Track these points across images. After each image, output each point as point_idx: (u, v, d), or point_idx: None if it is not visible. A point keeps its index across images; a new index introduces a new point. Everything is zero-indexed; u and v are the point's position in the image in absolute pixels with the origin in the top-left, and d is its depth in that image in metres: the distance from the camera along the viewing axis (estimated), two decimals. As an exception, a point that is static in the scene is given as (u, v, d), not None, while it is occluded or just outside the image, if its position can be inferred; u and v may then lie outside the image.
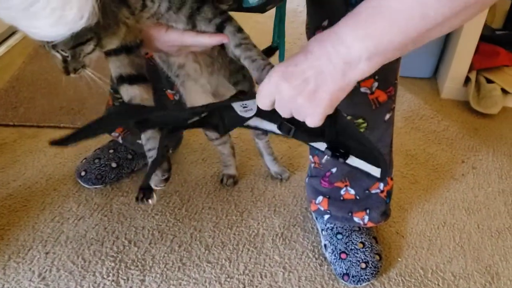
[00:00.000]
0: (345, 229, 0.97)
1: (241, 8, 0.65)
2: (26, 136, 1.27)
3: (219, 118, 0.64)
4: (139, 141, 1.02)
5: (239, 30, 0.64)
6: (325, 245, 0.98)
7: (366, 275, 0.91)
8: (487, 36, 1.53)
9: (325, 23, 0.74)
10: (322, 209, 0.99)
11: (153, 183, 0.70)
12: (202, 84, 0.78)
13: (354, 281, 0.91)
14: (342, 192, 0.96)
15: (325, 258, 0.98)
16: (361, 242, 0.95)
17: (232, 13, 0.66)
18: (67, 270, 0.92)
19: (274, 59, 0.75)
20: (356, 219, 0.96)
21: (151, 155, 0.70)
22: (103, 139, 1.18)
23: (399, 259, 0.99)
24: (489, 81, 1.52)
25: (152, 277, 0.92)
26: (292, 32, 1.64)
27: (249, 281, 0.93)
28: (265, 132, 0.73)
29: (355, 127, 0.63)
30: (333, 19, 0.55)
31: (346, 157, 0.65)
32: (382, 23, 0.49)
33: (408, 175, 1.22)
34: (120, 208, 1.07)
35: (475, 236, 1.06)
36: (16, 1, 0.37)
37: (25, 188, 1.11)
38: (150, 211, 1.06)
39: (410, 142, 1.35)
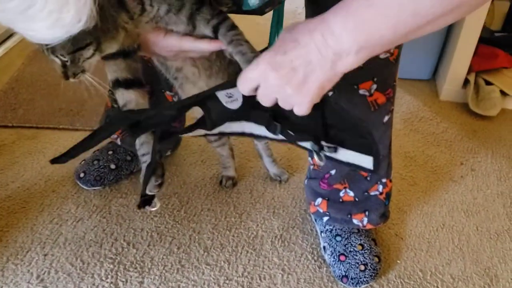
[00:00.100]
0: (344, 231, 0.97)
1: (240, 11, 0.65)
2: (25, 137, 1.27)
3: (206, 112, 0.63)
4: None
5: (232, 27, 0.64)
6: (324, 247, 0.98)
7: (365, 277, 0.91)
8: (486, 38, 1.53)
9: None
10: (321, 211, 0.99)
11: (147, 188, 0.69)
12: (201, 87, 0.78)
13: (353, 283, 0.91)
14: (341, 194, 0.96)
15: (324, 260, 0.98)
16: (360, 244, 0.95)
17: (232, 15, 0.67)
18: (65, 272, 0.92)
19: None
20: (355, 221, 0.96)
21: (145, 160, 0.70)
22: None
23: (398, 261, 0.99)
24: (488, 83, 1.53)
25: (151, 279, 0.92)
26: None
27: (248, 283, 0.93)
28: (259, 138, 0.73)
29: (344, 110, 0.62)
30: None
31: (333, 148, 0.64)
32: (372, 16, 0.49)
33: (407, 177, 1.22)
34: (119, 209, 1.07)
35: (474, 238, 1.06)
36: (13, 4, 0.36)
37: (23, 189, 1.11)
38: (149, 213, 1.06)
39: (409, 144, 1.35)
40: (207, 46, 0.66)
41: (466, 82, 1.53)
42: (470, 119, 1.48)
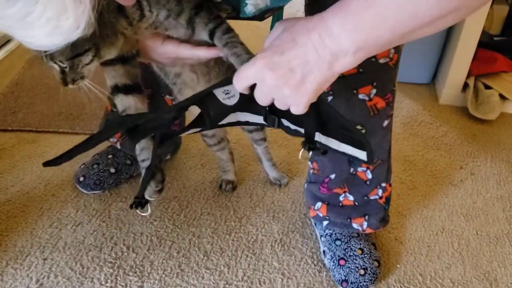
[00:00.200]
0: (344, 235, 0.97)
1: (239, 17, 0.66)
2: (25, 141, 1.27)
3: (205, 111, 0.63)
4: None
5: (228, 31, 0.64)
6: (323, 251, 0.98)
7: (364, 281, 0.91)
8: (485, 42, 1.54)
9: None
10: (321, 215, 0.99)
11: (146, 194, 0.69)
12: None
13: (353, 287, 0.91)
14: (341, 198, 0.96)
15: (324, 265, 0.98)
16: (360, 249, 0.95)
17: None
18: (65, 276, 0.92)
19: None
20: (355, 225, 0.96)
21: (145, 165, 0.70)
22: (102, 144, 1.18)
23: (398, 266, 0.99)
24: (487, 87, 1.53)
25: (151, 283, 0.92)
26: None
27: (247, 288, 0.93)
28: (254, 126, 0.73)
29: (337, 112, 0.63)
30: None
31: (322, 151, 0.65)
32: (371, 17, 0.49)
33: (406, 181, 1.22)
34: (119, 214, 1.07)
35: (474, 242, 1.06)
36: (12, 11, 0.36)
37: (23, 193, 1.11)
38: (149, 217, 1.06)
39: (408, 148, 1.35)
40: (204, 54, 0.67)
41: (465, 86, 1.54)
42: (469, 123, 1.48)
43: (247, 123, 0.71)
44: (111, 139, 1.13)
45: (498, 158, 1.33)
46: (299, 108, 0.56)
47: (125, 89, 0.70)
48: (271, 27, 0.79)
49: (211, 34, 0.64)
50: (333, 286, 0.93)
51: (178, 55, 0.67)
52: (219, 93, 0.62)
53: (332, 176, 0.94)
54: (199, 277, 0.94)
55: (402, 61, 0.84)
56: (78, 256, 0.96)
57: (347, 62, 0.52)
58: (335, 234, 0.98)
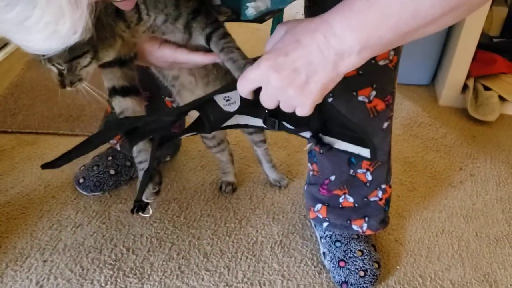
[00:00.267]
0: (344, 237, 0.97)
1: (239, 19, 0.66)
2: (24, 143, 1.27)
3: (205, 115, 0.63)
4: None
5: (224, 36, 0.64)
6: (323, 253, 0.98)
7: (364, 283, 0.91)
8: (485, 44, 1.54)
9: None
10: (320, 216, 0.99)
11: (144, 196, 0.69)
12: (198, 94, 0.78)
13: (352, 289, 0.91)
14: (340, 199, 0.96)
15: (324, 266, 0.98)
16: (360, 250, 0.95)
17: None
18: (65, 278, 0.92)
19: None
20: (354, 227, 0.96)
21: (142, 167, 0.70)
22: (101, 146, 1.18)
23: (398, 267, 0.99)
24: (487, 88, 1.53)
25: (150, 285, 0.92)
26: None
27: (247, 289, 0.93)
28: (254, 129, 0.73)
29: (339, 112, 0.63)
30: None
31: (329, 147, 0.65)
32: (374, 17, 0.49)
33: (406, 182, 1.22)
34: (119, 215, 1.07)
35: (474, 244, 1.06)
36: (10, 16, 0.37)
37: (23, 195, 1.11)
38: (149, 219, 1.06)
39: (408, 150, 1.35)
40: (201, 59, 0.67)
41: (465, 87, 1.54)
42: (469, 124, 1.48)
43: (246, 126, 0.71)
44: (111, 141, 1.13)
45: (498, 160, 1.33)
46: (304, 109, 0.56)
47: (122, 91, 0.70)
48: (272, 30, 0.80)
49: (208, 39, 0.65)
50: (333, 287, 0.93)
51: (175, 60, 0.68)
52: (219, 99, 0.62)
53: (332, 177, 0.94)
54: (199, 279, 0.94)
55: (402, 63, 0.84)
56: (78, 258, 0.96)
57: (351, 62, 0.52)
58: (335, 235, 0.98)
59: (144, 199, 0.69)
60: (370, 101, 0.81)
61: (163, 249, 0.99)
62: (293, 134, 0.70)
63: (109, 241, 1.00)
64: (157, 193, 0.70)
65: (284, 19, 0.79)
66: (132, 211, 0.68)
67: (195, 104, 0.62)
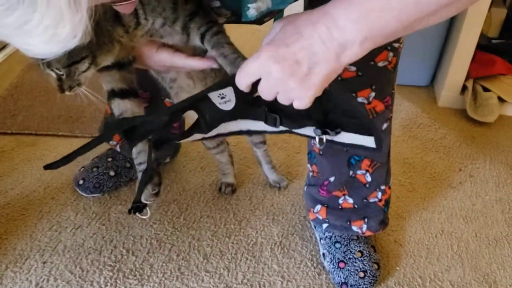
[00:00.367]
0: (344, 238, 0.98)
1: (239, 21, 0.66)
2: (24, 144, 1.27)
3: (200, 114, 0.62)
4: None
5: (217, 33, 0.64)
6: (323, 254, 0.98)
7: (364, 284, 0.91)
8: (484, 45, 1.55)
9: None
10: (320, 218, 0.99)
11: (143, 197, 0.69)
12: None
13: (352, 290, 0.91)
14: (340, 201, 0.96)
15: (324, 267, 0.98)
16: (360, 251, 0.95)
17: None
18: (64, 279, 0.92)
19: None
20: (354, 228, 0.96)
21: (141, 168, 0.70)
22: (101, 147, 1.18)
23: (397, 268, 0.99)
24: (486, 89, 1.53)
25: (150, 286, 0.92)
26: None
27: (247, 291, 0.93)
28: (258, 133, 0.72)
29: (343, 94, 0.62)
30: None
31: (336, 132, 0.64)
32: (375, 6, 0.49)
33: (405, 183, 1.23)
34: (118, 217, 1.07)
35: (473, 245, 1.06)
36: (10, 19, 0.37)
37: (23, 196, 1.11)
38: (148, 220, 1.06)
39: (407, 151, 1.35)
40: (197, 64, 0.67)
41: (464, 88, 1.54)
42: (468, 125, 1.49)
43: (248, 131, 0.70)
44: (110, 142, 1.14)
45: (497, 161, 1.34)
46: (302, 102, 0.55)
47: (121, 94, 0.70)
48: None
49: (202, 37, 0.65)
50: (332, 288, 0.94)
51: (173, 64, 0.68)
52: (214, 97, 0.61)
53: (332, 178, 0.94)
54: (198, 280, 0.94)
55: (401, 64, 0.85)
56: (78, 259, 0.96)
57: (354, 53, 0.52)
58: (335, 236, 0.98)
59: (143, 200, 0.69)
60: (369, 102, 0.81)
61: (163, 251, 0.99)
62: (294, 130, 0.69)
63: (109, 243, 1.00)
64: (156, 194, 0.70)
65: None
66: (129, 212, 0.68)
67: (188, 102, 0.62)
